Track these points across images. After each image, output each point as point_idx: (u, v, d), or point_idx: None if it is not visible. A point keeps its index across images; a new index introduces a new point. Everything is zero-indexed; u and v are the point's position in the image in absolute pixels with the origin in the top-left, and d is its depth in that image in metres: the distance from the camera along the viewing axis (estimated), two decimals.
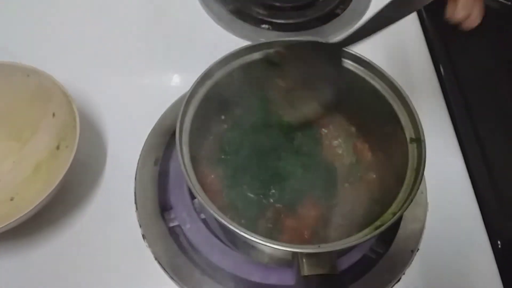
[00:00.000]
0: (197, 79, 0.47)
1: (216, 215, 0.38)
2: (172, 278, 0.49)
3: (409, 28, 0.71)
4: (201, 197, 0.39)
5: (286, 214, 0.46)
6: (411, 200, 0.38)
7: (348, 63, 0.49)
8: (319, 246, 0.36)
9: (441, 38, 0.70)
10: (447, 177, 0.56)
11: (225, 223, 0.37)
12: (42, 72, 0.53)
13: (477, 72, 0.68)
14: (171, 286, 0.49)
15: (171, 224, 0.53)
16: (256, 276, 0.49)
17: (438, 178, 0.55)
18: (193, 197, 0.54)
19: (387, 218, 0.38)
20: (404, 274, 0.50)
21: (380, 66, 0.48)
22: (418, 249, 0.52)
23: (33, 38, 0.67)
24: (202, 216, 0.53)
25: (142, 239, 0.51)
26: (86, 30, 0.69)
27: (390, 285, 0.49)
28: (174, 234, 0.52)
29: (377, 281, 0.49)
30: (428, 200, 0.55)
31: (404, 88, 0.46)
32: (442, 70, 0.68)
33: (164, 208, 0.54)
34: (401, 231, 0.52)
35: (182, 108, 0.45)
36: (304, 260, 0.37)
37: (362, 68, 0.49)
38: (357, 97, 0.50)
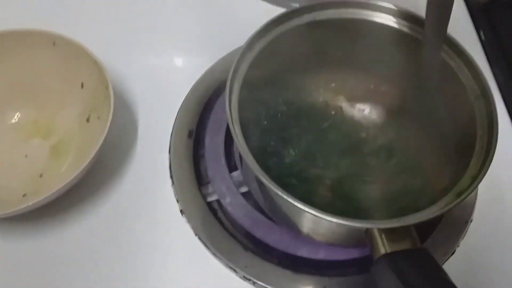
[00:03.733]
0: (241, 50, 0.42)
1: (282, 194, 0.34)
2: (214, 254, 0.46)
3: None
4: (262, 175, 0.36)
5: (341, 188, 0.43)
6: (491, 161, 0.35)
7: (393, 21, 0.45)
8: (399, 220, 0.33)
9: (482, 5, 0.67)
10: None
11: (293, 201, 0.34)
12: (70, 39, 0.49)
13: None
14: (213, 262, 0.46)
15: (210, 199, 0.50)
16: (303, 251, 0.46)
17: None
18: (231, 170, 0.51)
19: (466, 183, 0.35)
20: (458, 246, 0.47)
21: None
22: (471, 220, 0.49)
23: (60, 4, 0.64)
24: (242, 190, 0.50)
25: (180, 215, 0.48)
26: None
27: (445, 258, 0.47)
28: (213, 209, 0.50)
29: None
30: None
31: None
32: (482, 35, 0.64)
33: (201, 182, 0.51)
34: None
35: (228, 88, 0.40)
36: (383, 236, 0.34)
37: (410, 25, 0.45)
38: (405, 58, 0.46)
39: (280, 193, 0.34)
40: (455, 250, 0.47)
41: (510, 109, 0.57)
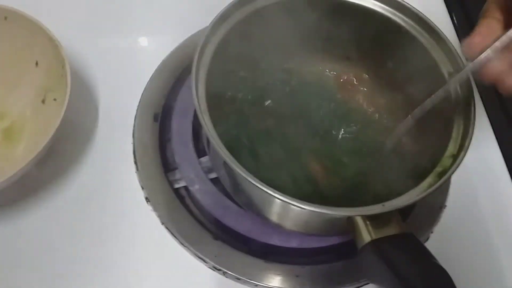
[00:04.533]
0: (204, 34, 0.39)
1: (254, 181, 0.32)
2: (182, 243, 0.44)
3: None
4: (231, 161, 0.34)
5: (318, 172, 0.41)
6: (471, 137, 0.34)
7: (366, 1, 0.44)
8: (383, 205, 0.31)
9: None
10: None
11: (270, 191, 0.32)
12: (23, 14, 0.46)
13: None
14: (181, 252, 0.44)
15: (177, 186, 0.47)
16: (275, 239, 0.45)
17: None
18: (200, 155, 0.48)
19: (447, 162, 0.34)
20: (432, 232, 0.47)
21: None
22: (445, 206, 0.48)
23: None
24: (211, 176, 0.47)
25: (146, 203, 0.46)
26: None
27: None
28: (180, 196, 0.47)
29: None
30: None
31: None
32: (455, 19, 0.64)
33: (167, 168, 0.48)
34: None
35: (193, 75, 0.37)
36: (368, 223, 0.32)
37: (378, 3, 0.43)
38: (373, 37, 0.45)
39: (259, 185, 0.32)
40: (429, 237, 0.47)
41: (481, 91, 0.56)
